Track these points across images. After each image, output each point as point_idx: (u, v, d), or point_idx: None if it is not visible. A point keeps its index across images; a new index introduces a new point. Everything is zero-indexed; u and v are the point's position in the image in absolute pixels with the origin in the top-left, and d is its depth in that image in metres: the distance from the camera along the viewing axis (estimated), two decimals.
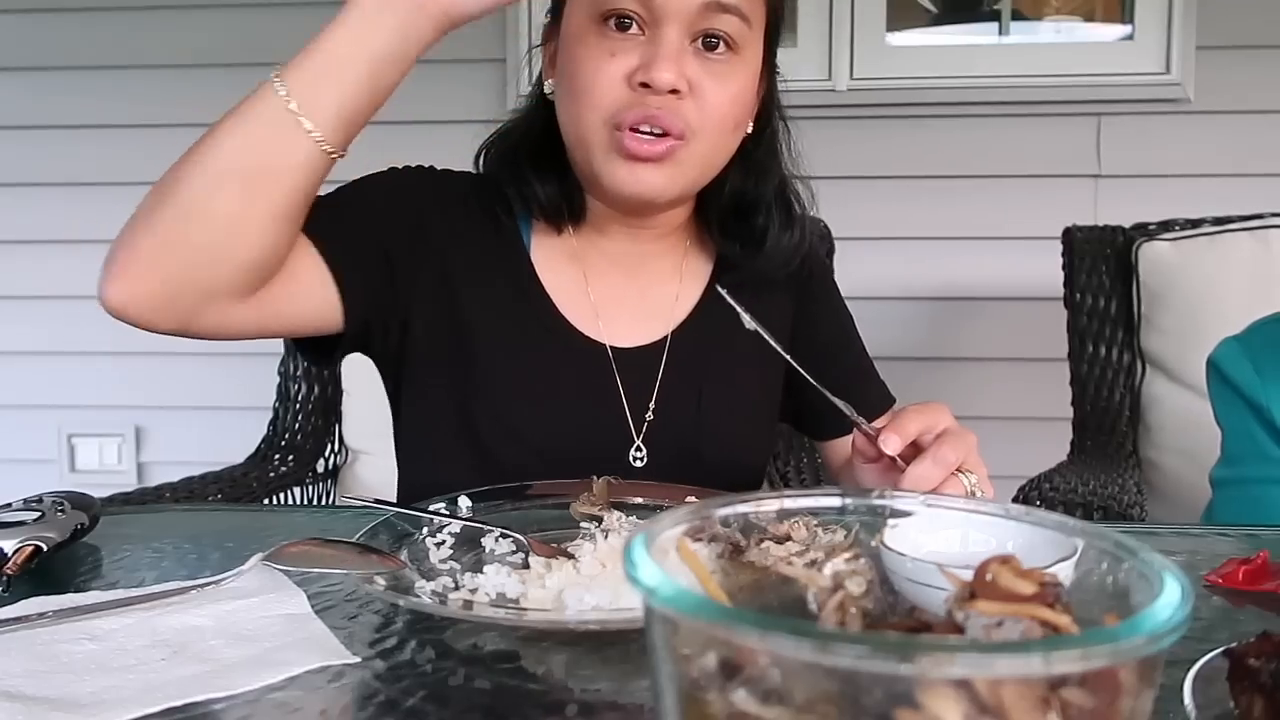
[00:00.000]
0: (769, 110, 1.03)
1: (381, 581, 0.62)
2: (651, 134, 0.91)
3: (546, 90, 0.99)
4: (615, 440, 1.01)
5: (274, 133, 0.79)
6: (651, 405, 1.02)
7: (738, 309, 0.82)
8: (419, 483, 1.01)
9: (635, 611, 0.58)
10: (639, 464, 1.00)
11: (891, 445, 0.80)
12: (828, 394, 0.82)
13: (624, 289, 1.04)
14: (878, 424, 0.83)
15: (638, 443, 1.01)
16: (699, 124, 0.92)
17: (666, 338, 1.04)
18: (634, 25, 0.90)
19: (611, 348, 1.02)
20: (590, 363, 1.01)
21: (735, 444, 1.07)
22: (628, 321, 1.04)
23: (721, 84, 0.93)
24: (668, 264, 1.07)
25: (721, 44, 0.93)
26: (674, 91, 0.90)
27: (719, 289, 0.83)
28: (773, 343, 0.83)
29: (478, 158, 1.05)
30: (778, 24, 1.01)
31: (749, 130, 1.00)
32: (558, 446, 0.97)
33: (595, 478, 0.82)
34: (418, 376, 1.01)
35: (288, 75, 0.79)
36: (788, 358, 0.84)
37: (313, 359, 1.06)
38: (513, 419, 0.99)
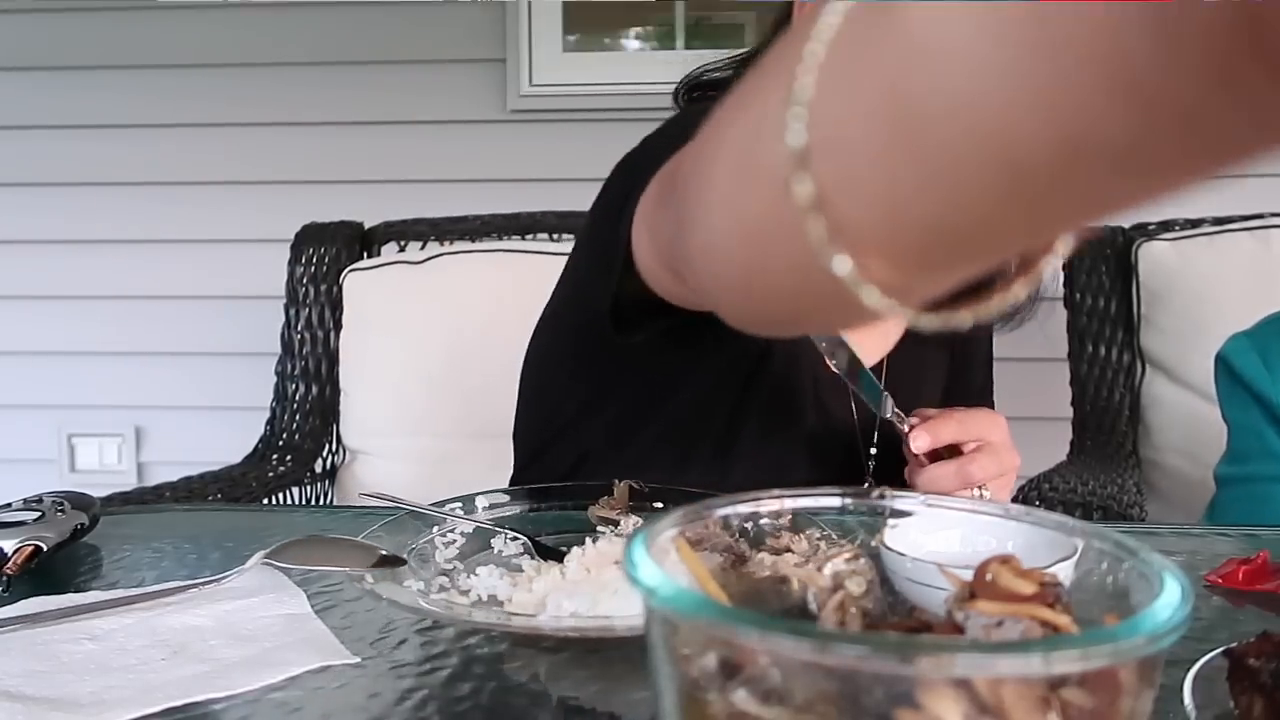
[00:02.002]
0: None
1: (381, 581, 0.62)
2: None
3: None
4: (849, 465, 0.99)
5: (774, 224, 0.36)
6: (876, 431, 1.00)
7: None
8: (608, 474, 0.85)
9: (611, 619, 0.58)
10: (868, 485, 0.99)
11: (919, 444, 0.79)
12: (861, 386, 0.82)
13: None
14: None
15: (869, 478, 0.99)
16: None
17: (883, 362, 1.01)
18: None
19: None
20: (831, 397, 0.98)
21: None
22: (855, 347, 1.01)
23: None
24: None
25: None
26: None
27: None
28: (812, 337, 0.82)
29: (678, 95, 0.97)
30: None
31: None
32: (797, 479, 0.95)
33: (617, 481, 0.82)
34: (695, 378, 0.95)
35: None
36: (828, 360, 0.84)
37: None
38: (772, 447, 0.95)
